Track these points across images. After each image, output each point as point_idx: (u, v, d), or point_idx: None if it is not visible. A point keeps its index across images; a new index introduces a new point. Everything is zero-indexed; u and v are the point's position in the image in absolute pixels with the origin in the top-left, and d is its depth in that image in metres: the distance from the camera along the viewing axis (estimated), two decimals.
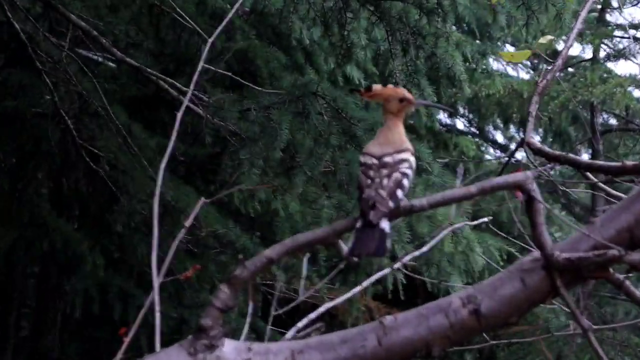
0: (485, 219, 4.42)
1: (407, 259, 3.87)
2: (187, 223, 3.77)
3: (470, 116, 16.19)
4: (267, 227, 10.25)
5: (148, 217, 8.17)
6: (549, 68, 4.29)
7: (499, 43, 14.45)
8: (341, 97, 7.21)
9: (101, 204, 8.72)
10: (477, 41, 13.04)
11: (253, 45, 8.69)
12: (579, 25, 4.34)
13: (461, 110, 15.67)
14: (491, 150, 16.57)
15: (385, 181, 2.97)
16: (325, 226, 3.00)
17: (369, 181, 2.99)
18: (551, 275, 2.96)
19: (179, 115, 3.93)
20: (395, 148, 3.07)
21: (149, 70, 7.54)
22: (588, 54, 14.21)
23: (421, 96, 8.45)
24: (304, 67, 9.40)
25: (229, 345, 2.99)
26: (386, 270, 3.81)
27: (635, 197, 2.98)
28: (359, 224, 2.91)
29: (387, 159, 3.04)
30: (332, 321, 11.53)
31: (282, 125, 6.96)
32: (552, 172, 4.17)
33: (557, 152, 3.86)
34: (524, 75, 15.70)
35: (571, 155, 3.76)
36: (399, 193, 2.95)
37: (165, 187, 7.99)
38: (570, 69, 14.12)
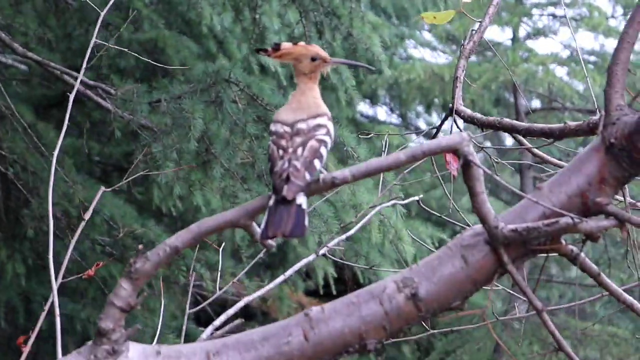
0: (416, 198, 4.07)
1: (332, 243, 3.49)
2: (86, 216, 3.39)
3: (392, 104, 15.90)
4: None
5: (62, 220, 7.74)
6: (475, 29, 3.97)
7: (417, 30, 14.20)
8: (256, 82, 6.83)
9: (14, 209, 8.22)
10: (395, 25, 12.78)
11: (162, 34, 8.23)
12: None
13: (382, 98, 15.37)
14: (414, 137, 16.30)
15: (299, 150, 2.59)
16: (236, 207, 2.61)
17: (281, 152, 2.61)
18: (496, 251, 2.61)
19: (71, 97, 3.54)
20: (310, 113, 2.70)
21: (52, 64, 7.07)
22: (508, 34, 13.99)
23: (340, 81, 8.12)
24: (216, 55, 8.96)
25: (134, 350, 2.63)
26: (311, 257, 3.43)
27: (586, 157, 2.64)
28: (271, 202, 2.52)
29: (301, 126, 2.66)
30: (265, 320, 11.17)
31: (194, 115, 6.54)
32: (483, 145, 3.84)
33: (492, 118, 3.56)
34: (444, 61, 15.43)
35: (507, 120, 3.45)
36: (317, 163, 2.58)
37: (78, 188, 7.57)
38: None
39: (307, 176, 2.54)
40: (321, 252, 3.39)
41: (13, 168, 7.59)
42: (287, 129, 2.65)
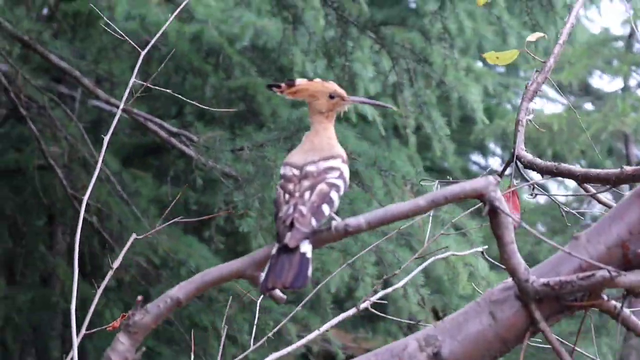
0: (480, 249, 3.83)
1: (375, 298, 3.27)
2: (115, 264, 3.24)
3: (503, 155, 15.60)
4: None
5: (147, 269, 7.69)
6: (539, 70, 3.73)
7: (522, 73, 13.88)
8: (340, 130, 6.64)
9: (98, 257, 8.22)
10: (501, 74, 12.51)
11: (253, 82, 8.14)
12: (572, 19, 3.78)
13: (492, 147, 15.10)
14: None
15: (307, 195, 2.39)
16: (243, 257, 2.43)
17: (287, 196, 2.42)
18: (527, 307, 2.36)
19: (113, 123, 3.43)
20: (322, 155, 2.50)
21: (135, 111, 7.04)
22: (618, 83, 13.58)
23: (433, 130, 7.90)
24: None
25: None
26: (350, 312, 3.21)
27: (628, 204, 2.39)
28: (274, 250, 2.33)
29: (310, 168, 2.46)
30: None
31: (277, 163, 6.39)
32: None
33: (550, 163, 3.31)
34: (554, 108, 15.08)
35: (565, 165, 3.19)
36: (325, 209, 2.37)
37: (162, 238, 7.51)
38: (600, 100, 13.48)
39: (314, 222, 2.34)
40: (362, 306, 3.18)
41: (97, 216, 7.58)
42: (296, 171, 2.46)
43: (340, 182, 2.44)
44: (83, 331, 3.06)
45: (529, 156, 3.49)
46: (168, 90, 3.74)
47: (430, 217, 3.41)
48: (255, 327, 3.55)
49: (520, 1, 6.82)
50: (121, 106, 3.33)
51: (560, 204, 3.84)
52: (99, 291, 3.13)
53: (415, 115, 7.82)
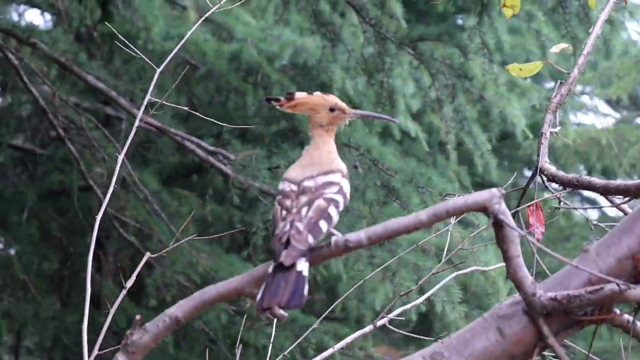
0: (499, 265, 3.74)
1: (394, 314, 3.21)
2: (128, 284, 3.21)
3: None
4: (330, 291, 9.68)
5: (188, 287, 7.67)
6: (563, 82, 3.66)
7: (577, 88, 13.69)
8: (377, 147, 6.61)
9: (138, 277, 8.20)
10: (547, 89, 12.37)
11: None
12: (597, 30, 3.70)
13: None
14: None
15: (304, 211, 2.34)
16: (242, 274, 2.38)
17: (284, 212, 2.37)
18: (535, 322, 2.29)
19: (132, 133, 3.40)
20: (321, 170, 2.45)
21: (172, 130, 7.04)
22: None
23: (475, 145, 7.81)
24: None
25: None
26: (367, 329, 3.15)
27: (638, 217, 2.31)
28: (270, 268, 2.28)
29: (308, 183, 2.41)
30: None
31: None
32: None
33: (571, 176, 3.24)
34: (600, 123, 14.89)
35: (585, 177, 3.13)
36: (323, 225, 2.32)
37: (202, 256, 7.50)
38: None
39: (310, 240, 2.29)
40: (379, 323, 3.12)
41: (136, 236, 7.59)
42: (294, 187, 2.41)
43: (339, 197, 2.39)
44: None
45: (552, 169, 3.42)
46: (185, 108, 3.67)
47: (450, 230, 3.34)
48: (271, 345, 3.49)
49: (558, 14, 6.74)
50: (137, 122, 3.29)
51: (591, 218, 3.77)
52: (111, 313, 3.09)
53: (456, 130, 7.75)
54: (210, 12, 3.74)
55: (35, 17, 20.15)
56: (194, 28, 3.63)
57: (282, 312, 2.36)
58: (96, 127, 7.64)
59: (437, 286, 3.28)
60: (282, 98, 2.56)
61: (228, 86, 8.19)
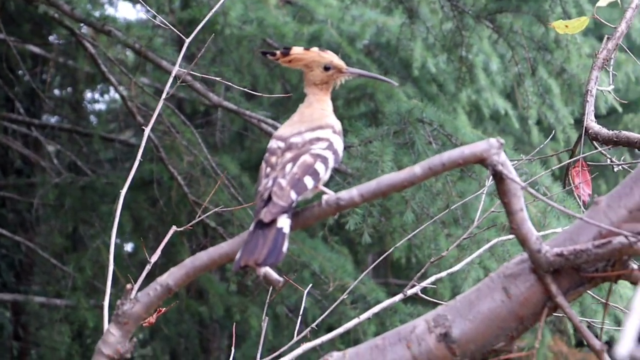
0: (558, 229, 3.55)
1: (427, 282, 3.06)
2: (153, 258, 3.13)
3: None
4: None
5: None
6: (609, 36, 3.46)
7: None
8: (449, 121, 6.42)
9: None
10: None
11: (372, 81, 7.94)
12: None
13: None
14: None
15: (288, 167, 2.22)
16: (232, 238, 2.28)
17: (268, 169, 2.26)
18: (543, 280, 2.14)
19: (154, 115, 3.32)
20: (310, 126, 2.33)
21: (247, 112, 6.98)
22: None
23: (557, 120, 7.58)
24: (436, 99, 8.57)
25: None
26: (397, 297, 3.00)
27: None
28: (252, 226, 2.17)
29: (295, 140, 2.29)
30: None
31: (383, 158, 6.20)
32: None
33: (611, 132, 3.06)
34: None
35: (624, 132, 2.95)
36: (308, 181, 2.20)
37: (308, 253, 7.45)
38: None
39: (293, 195, 2.17)
40: (409, 292, 2.97)
41: (215, 221, 7.56)
42: (281, 144, 2.30)
43: (328, 154, 2.27)
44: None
45: (596, 127, 3.25)
46: (218, 78, 3.56)
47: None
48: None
49: None
50: (162, 97, 3.20)
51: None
52: (137, 285, 3.01)
53: (538, 105, 7.53)
54: None
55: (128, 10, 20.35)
56: (217, 6, 3.49)
57: (277, 277, 2.26)
58: (173, 113, 7.62)
59: (476, 254, 3.10)
60: (278, 52, 2.45)
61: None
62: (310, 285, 3.95)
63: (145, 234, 9.54)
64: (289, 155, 2.25)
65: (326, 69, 2.44)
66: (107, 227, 8.88)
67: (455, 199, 6.23)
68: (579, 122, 7.80)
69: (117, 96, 11.77)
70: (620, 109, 7.94)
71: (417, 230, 4.12)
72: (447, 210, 4.24)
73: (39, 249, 9.69)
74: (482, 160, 2.13)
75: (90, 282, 8.59)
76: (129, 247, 10.69)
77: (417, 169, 2.15)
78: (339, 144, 2.31)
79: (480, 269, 6.39)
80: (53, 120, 12.04)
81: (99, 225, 8.97)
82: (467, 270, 6.32)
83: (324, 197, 2.20)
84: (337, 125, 2.36)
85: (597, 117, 3.48)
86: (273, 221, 2.13)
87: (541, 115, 7.60)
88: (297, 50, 2.45)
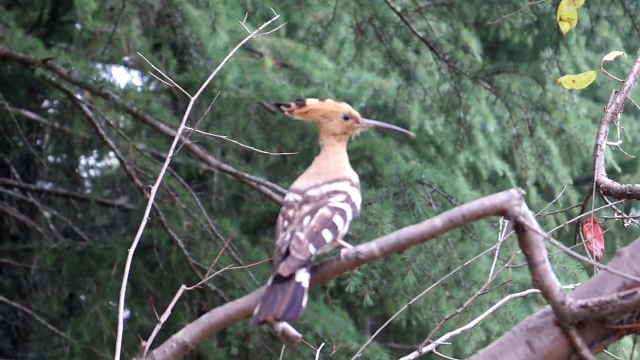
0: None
1: (442, 339, 3.02)
2: (163, 318, 3.09)
3: None
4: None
5: (269, 340, 7.55)
6: (617, 90, 3.47)
7: None
8: (449, 182, 6.41)
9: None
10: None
11: (371, 142, 7.94)
12: None
13: None
14: None
15: (306, 220, 2.20)
16: (249, 294, 2.25)
17: (286, 223, 2.23)
18: (567, 333, 2.10)
19: (159, 177, 3.30)
20: (328, 178, 2.31)
21: (247, 175, 6.97)
22: None
23: (556, 180, 7.59)
24: (434, 161, 8.58)
25: None
26: (411, 355, 2.96)
27: None
28: (270, 280, 2.15)
29: (312, 192, 2.27)
30: None
31: (383, 220, 6.18)
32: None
33: (624, 186, 3.04)
34: None
35: (638, 186, 2.92)
36: (327, 235, 2.17)
37: (310, 315, 7.40)
38: None
39: (312, 249, 2.15)
40: (424, 349, 2.93)
41: (215, 285, 7.52)
42: (298, 197, 2.28)
43: (346, 207, 2.25)
44: None
45: (607, 181, 3.24)
46: (224, 137, 3.55)
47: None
48: None
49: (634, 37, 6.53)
50: (167, 160, 3.19)
51: None
52: (148, 343, 2.97)
53: (536, 166, 7.55)
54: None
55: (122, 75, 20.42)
56: (225, 60, 3.49)
57: (295, 332, 2.23)
58: (172, 176, 7.61)
59: (491, 309, 3.07)
60: (292, 104, 2.44)
61: (302, 131, 8.11)
62: (322, 345, 3.87)
63: (144, 300, 9.46)
64: (306, 208, 2.23)
65: (346, 118, 2.43)
66: (104, 293, 8.81)
67: (457, 261, 6.21)
68: (577, 182, 7.84)
69: (112, 162, 11.78)
70: (619, 170, 7.93)
71: (421, 294, 4.09)
72: (450, 274, 4.19)
73: (36, 315, 9.60)
74: (503, 212, 2.11)
75: (88, 348, 8.49)
76: (126, 313, 10.59)
77: (438, 221, 2.13)
78: (356, 196, 2.30)
79: (482, 331, 6.35)
80: (48, 186, 12.01)
81: (97, 291, 8.90)
82: (470, 332, 6.28)
83: (343, 250, 2.18)
84: (355, 177, 2.35)
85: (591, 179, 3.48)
86: (292, 275, 2.11)
87: (539, 176, 7.62)
88: (313, 102, 2.44)
